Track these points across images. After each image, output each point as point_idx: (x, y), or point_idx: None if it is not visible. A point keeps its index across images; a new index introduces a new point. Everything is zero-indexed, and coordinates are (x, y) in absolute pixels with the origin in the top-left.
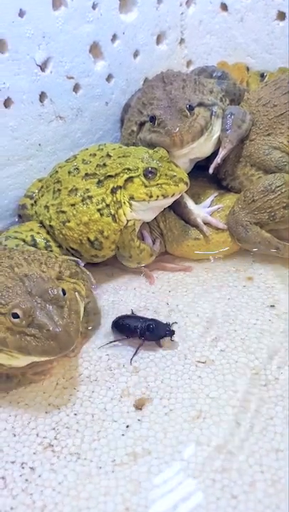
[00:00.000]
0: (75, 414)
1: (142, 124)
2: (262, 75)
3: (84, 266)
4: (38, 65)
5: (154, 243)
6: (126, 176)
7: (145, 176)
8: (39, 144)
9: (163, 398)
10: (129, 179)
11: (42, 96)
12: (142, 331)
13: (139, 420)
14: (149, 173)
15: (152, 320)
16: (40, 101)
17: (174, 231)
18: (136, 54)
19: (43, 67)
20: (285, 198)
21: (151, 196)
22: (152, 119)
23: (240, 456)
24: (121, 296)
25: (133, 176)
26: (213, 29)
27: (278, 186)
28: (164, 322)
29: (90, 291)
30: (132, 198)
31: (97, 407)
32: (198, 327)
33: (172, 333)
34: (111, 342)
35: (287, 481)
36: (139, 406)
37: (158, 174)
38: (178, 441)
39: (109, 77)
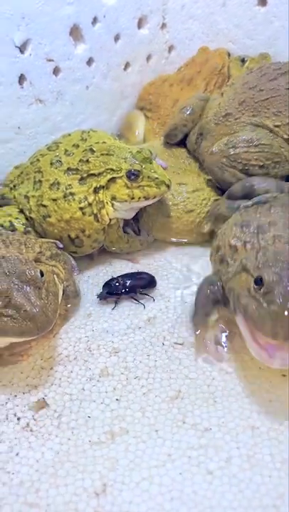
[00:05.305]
0: (54, 394)
1: None
2: (242, 60)
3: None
4: (17, 47)
5: (140, 232)
6: (109, 176)
7: (128, 177)
8: (18, 127)
9: (141, 378)
10: (112, 180)
11: (21, 78)
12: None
13: (117, 400)
14: (132, 175)
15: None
16: (20, 83)
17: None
18: (117, 38)
19: (22, 49)
20: (264, 158)
21: (133, 198)
22: None
23: (217, 433)
24: (101, 279)
25: (116, 177)
26: (195, 14)
27: (263, 144)
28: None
29: (69, 274)
30: (114, 198)
31: (75, 387)
32: (178, 310)
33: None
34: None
35: (262, 456)
36: (116, 386)
37: (141, 176)
38: (156, 420)
39: (90, 61)
